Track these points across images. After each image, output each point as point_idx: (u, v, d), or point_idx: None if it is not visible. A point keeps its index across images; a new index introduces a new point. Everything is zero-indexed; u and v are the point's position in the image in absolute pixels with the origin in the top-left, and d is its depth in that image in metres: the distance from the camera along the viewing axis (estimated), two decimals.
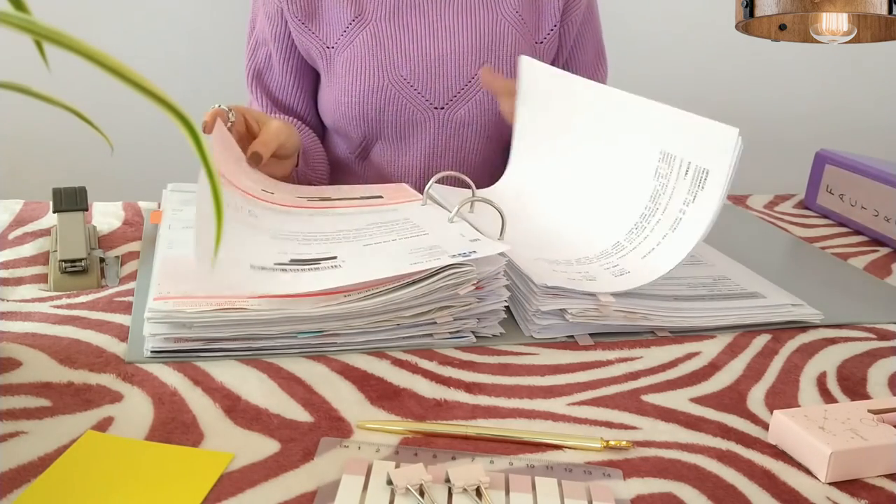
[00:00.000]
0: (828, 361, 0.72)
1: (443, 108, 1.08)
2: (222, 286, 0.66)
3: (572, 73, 1.18)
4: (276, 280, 0.68)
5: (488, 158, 1.14)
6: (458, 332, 0.71)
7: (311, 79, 1.14)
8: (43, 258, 0.84)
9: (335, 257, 0.72)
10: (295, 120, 1.13)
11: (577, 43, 1.18)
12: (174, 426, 0.58)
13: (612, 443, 0.58)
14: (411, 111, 1.08)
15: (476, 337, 0.72)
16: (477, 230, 0.77)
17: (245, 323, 0.66)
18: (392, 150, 1.11)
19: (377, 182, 1.13)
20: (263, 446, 0.56)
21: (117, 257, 0.85)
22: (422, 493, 0.51)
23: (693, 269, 0.86)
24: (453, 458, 0.55)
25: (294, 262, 0.71)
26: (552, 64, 1.18)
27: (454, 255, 0.69)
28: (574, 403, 0.64)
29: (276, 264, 0.70)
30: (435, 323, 0.70)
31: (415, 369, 0.67)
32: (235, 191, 0.80)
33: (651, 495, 0.53)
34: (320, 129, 1.18)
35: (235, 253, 0.69)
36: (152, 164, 1.80)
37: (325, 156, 1.15)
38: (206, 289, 0.66)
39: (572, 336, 0.74)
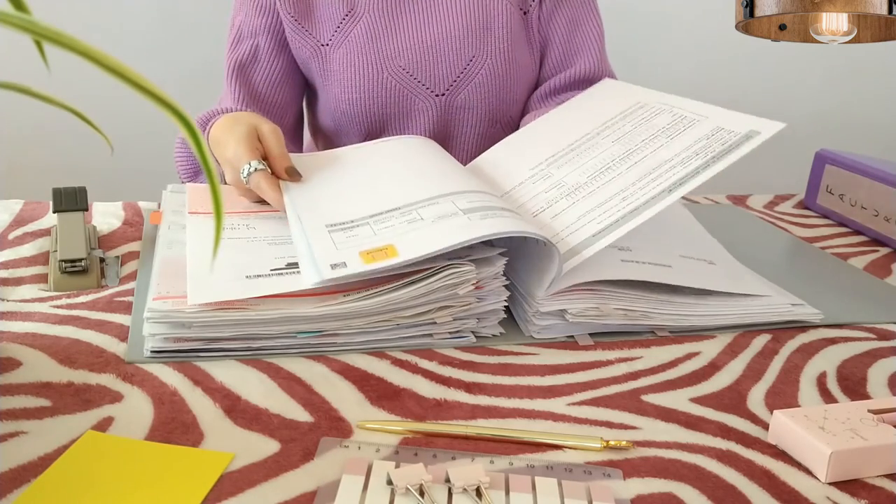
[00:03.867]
0: (828, 361, 0.72)
1: (443, 95, 1.08)
2: (217, 297, 0.66)
3: (548, 39, 1.14)
4: (270, 284, 0.68)
5: (492, 141, 1.14)
6: (457, 332, 0.71)
7: (298, 79, 1.13)
8: (43, 258, 0.84)
9: None
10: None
11: (552, 10, 1.13)
12: (174, 426, 0.58)
13: (612, 443, 0.58)
14: (412, 101, 1.08)
15: (476, 337, 0.72)
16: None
17: (245, 323, 0.66)
18: None
19: None
20: (263, 446, 0.56)
21: (117, 257, 0.85)
22: (422, 493, 0.51)
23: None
24: (453, 458, 0.55)
25: (290, 265, 0.71)
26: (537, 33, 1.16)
27: (450, 259, 0.69)
28: (574, 403, 0.64)
29: (272, 270, 0.70)
30: (435, 323, 0.70)
31: (415, 369, 0.67)
32: (231, 215, 0.82)
33: (651, 495, 0.53)
34: (293, 131, 1.16)
35: (229, 269, 0.69)
36: (152, 164, 1.80)
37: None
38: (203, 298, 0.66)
39: (572, 336, 0.74)
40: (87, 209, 0.87)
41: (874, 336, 0.78)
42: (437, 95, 1.08)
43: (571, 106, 0.99)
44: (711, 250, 0.90)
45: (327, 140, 1.17)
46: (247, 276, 0.68)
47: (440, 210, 0.73)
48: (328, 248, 0.69)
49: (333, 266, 0.66)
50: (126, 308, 0.74)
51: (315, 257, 0.68)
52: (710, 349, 0.73)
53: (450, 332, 0.71)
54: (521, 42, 1.11)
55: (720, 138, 0.76)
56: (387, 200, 0.77)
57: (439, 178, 0.82)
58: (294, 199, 0.79)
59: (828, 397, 0.67)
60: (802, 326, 0.79)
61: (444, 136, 1.11)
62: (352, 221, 0.73)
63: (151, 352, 0.66)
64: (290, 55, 1.11)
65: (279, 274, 0.69)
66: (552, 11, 1.13)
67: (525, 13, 1.11)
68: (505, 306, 0.73)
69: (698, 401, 0.65)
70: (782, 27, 1.09)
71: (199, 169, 1.04)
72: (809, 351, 0.74)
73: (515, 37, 1.10)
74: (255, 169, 0.82)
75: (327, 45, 1.07)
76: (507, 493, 0.52)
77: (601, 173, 0.80)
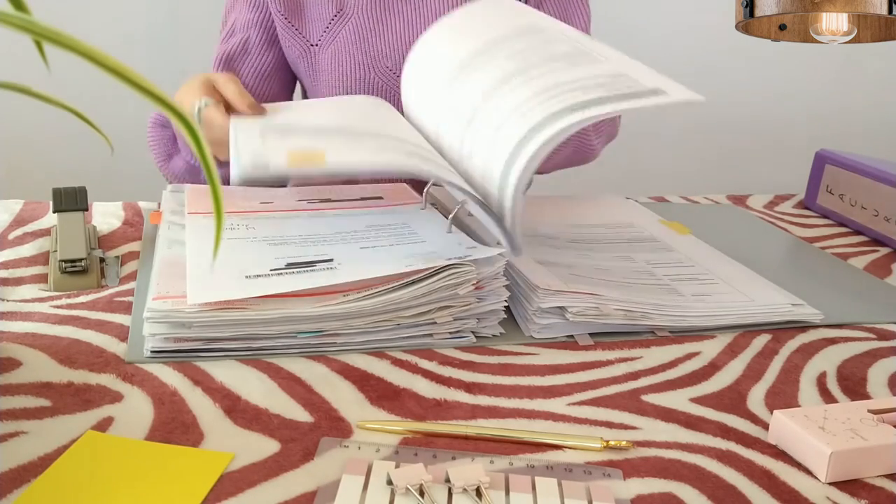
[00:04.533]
0: (828, 361, 0.72)
1: None
2: (217, 297, 0.66)
3: None
4: (270, 284, 0.68)
5: None
6: (457, 332, 0.71)
7: (286, 76, 1.13)
8: (43, 258, 0.84)
9: (331, 259, 0.72)
10: None
11: (538, 6, 1.12)
12: (174, 426, 0.58)
13: (612, 443, 0.58)
14: (399, 102, 1.07)
15: (476, 337, 0.72)
16: (474, 239, 0.77)
17: (245, 323, 0.66)
18: None
19: (370, 179, 1.13)
20: (263, 446, 0.56)
21: (117, 257, 0.85)
22: (422, 493, 0.51)
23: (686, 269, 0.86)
24: (453, 458, 0.55)
25: (290, 265, 0.71)
26: None
27: (450, 259, 0.69)
28: (574, 403, 0.64)
29: (271, 270, 0.70)
30: (435, 323, 0.70)
31: (415, 369, 0.67)
32: (230, 215, 0.82)
33: (651, 495, 0.53)
34: None
35: (229, 268, 0.69)
36: (152, 165, 1.80)
37: None
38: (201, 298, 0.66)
39: (572, 336, 0.74)
40: (87, 209, 0.87)
41: (874, 336, 0.78)
42: None
43: (457, 20, 0.92)
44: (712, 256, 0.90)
45: None
46: (246, 277, 0.68)
47: (381, 144, 0.70)
48: (256, 148, 0.66)
49: (255, 166, 0.64)
50: (126, 308, 0.74)
51: (241, 153, 0.65)
52: (710, 349, 0.73)
53: (450, 332, 0.71)
54: None
55: (625, 83, 0.68)
56: (332, 122, 0.73)
57: (390, 126, 0.80)
58: (237, 122, 0.77)
59: (828, 397, 0.67)
60: (802, 326, 0.79)
61: None
62: (289, 125, 0.70)
63: (151, 352, 0.66)
64: (281, 52, 1.11)
65: (279, 274, 0.69)
66: (537, 8, 1.12)
67: None
68: (505, 306, 0.73)
69: (698, 401, 0.65)
70: (782, 27, 1.09)
71: (171, 151, 1.03)
72: (809, 351, 0.74)
73: None
74: (206, 104, 0.81)
75: (316, 45, 1.07)
76: (507, 493, 0.52)
77: (495, 90, 0.73)
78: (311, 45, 1.07)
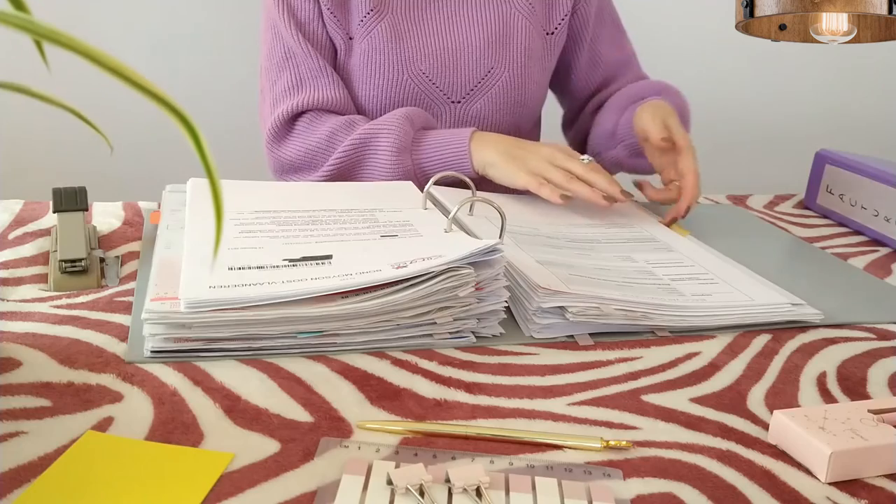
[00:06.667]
0: (828, 361, 0.72)
1: (459, 102, 1.09)
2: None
3: (597, 57, 1.19)
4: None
5: None
6: (458, 332, 0.71)
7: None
8: (43, 258, 0.84)
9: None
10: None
11: (595, 31, 1.18)
12: (174, 426, 0.58)
13: (612, 443, 0.58)
14: (428, 105, 1.08)
15: (476, 337, 0.72)
16: (474, 236, 0.77)
17: (245, 323, 0.66)
18: None
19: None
20: (263, 446, 0.56)
21: (117, 257, 0.85)
22: (422, 493, 0.51)
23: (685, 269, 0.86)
24: (453, 458, 0.55)
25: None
26: (562, 54, 1.18)
27: (449, 263, 0.69)
28: (574, 403, 0.64)
29: (269, 265, 0.70)
30: (435, 323, 0.70)
31: (415, 369, 0.67)
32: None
33: (651, 495, 0.53)
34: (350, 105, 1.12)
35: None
36: (152, 164, 1.80)
37: None
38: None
39: (572, 336, 0.74)
40: (87, 209, 0.87)
41: (874, 336, 0.78)
42: (453, 102, 1.08)
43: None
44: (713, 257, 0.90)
45: None
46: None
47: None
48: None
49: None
50: (126, 308, 0.74)
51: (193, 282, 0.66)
52: (710, 349, 0.73)
53: (450, 333, 0.71)
54: (538, 61, 1.12)
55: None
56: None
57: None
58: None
59: (828, 397, 0.67)
60: (802, 326, 0.79)
61: None
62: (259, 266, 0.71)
63: (151, 352, 0.66)
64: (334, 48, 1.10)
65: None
66: (594, 35, 1.19)
67: (549, 34, 1.13)
68: (505, 306, 0.73)
69: (698, 401, 0.65)
70: (782, 27, 1.09)
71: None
72: (809, 351, 0.74)
73: (533, 55, 1.11)
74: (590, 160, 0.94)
75: (353, 38, 1.07)
76: (507, 493, 0.52)
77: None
78: (350, 38, 1.08)
